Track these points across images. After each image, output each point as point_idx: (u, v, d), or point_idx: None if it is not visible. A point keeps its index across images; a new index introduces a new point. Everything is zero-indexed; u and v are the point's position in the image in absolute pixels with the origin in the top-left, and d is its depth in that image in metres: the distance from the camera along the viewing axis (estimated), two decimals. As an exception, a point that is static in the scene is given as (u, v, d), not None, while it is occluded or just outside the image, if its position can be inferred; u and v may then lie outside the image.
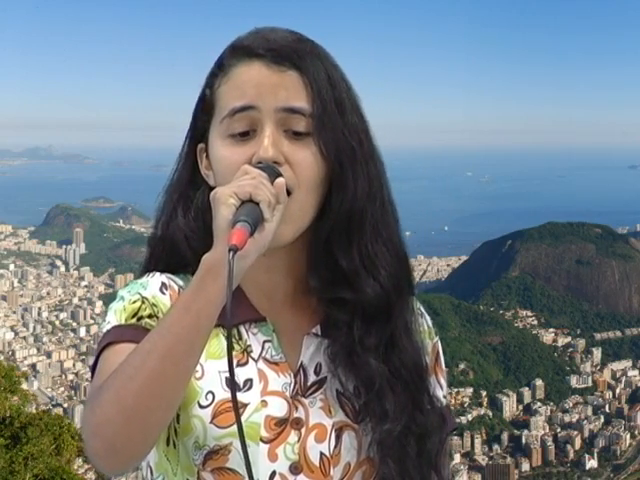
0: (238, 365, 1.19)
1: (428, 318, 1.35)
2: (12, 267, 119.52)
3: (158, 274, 1.25)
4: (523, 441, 79.70)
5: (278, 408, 1.17)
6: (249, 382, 1.17)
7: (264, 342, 1.21)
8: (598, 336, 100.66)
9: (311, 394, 1.19)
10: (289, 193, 1.12)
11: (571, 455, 78.98)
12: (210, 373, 1.16)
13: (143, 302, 1.19)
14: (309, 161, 1.15)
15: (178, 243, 1.24)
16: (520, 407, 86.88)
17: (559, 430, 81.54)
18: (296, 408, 1.18)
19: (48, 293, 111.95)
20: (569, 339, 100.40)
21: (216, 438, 1.13)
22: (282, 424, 1.16)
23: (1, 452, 9.17)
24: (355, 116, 1.20)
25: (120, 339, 1.13)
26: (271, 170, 1.10)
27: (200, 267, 1.04)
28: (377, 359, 1.18)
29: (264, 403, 1.16)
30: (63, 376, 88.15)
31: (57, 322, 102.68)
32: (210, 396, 1.15)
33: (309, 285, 1.22)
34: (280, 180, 1.09)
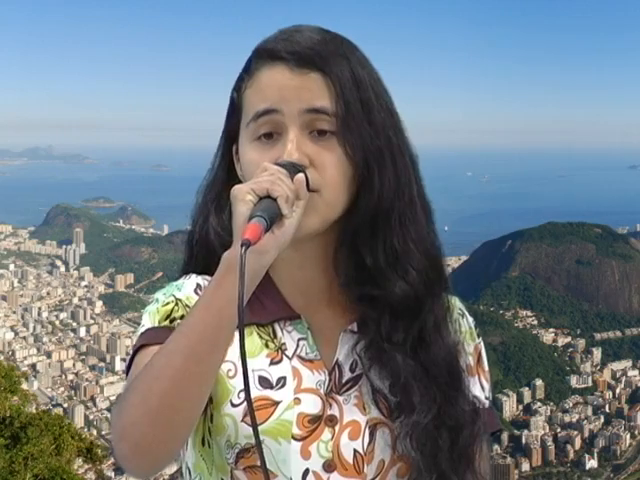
0: (272, 363, 1.18)
1: (470, 319, 1.34)
2: (12, 267, 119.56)
3: (194, 276, 1.26)
4: (523, 441, 79.63)
5: (312, 405, 1.16)
6: (282, 380, 1.17)
7: (299, 340, 1.21)
8: (598, 336, 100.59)
9: (346, 391, 1.18)
10: (315, 192, 1.13)
11: (571, 455, 78.90)
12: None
13: (176, 304, 1.20)
14: (334, 163, 1.14)
15: (212, 243, 1.24)
16: (520, 407, 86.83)
17: (559, 430, 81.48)
18: (330, 405, 1.17)
19: (48, 293, 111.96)
20: (569, 339, 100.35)
21: (247, 436, 1.13)
22: (316, 421, 1.15)
23: (1, 452, 9.16)
24: (383, 114, 1.18)
25: (153, 341, 1.13)
26: (291, 167, 1.09)
27: (220, 265, 1.04)
28: (404, 355, 1.17)
29: (297, 401, 1.16)
30: (63, 376, 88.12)
31: (57, 322, 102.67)
32: (242, 394, 1.14)
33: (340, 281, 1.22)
34: (300, 176, 1.08)
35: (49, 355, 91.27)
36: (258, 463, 1.12)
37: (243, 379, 0.97)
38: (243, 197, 1.04)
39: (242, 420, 1.14)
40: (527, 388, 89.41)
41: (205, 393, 1.05)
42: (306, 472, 1.13)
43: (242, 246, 0.98)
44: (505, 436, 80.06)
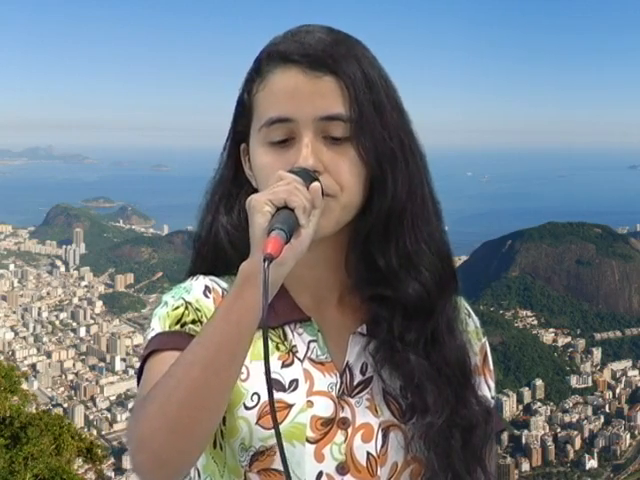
0: (283, 366, 1.18)
1: (476, 319, 1.34)
2: (12, 267, 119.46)
3: (202, 277, 1.25)
4: (523, 441, 79.59)
5: (324, 408, 1.16)
6: (295, 382, 1.17)
7: (309, 342, 1.21)
8: (598, 336, 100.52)
9: (357, 394, 1.18)
10: (331, 197, 1.13)
11: (571, 455, 78.84)
12: (256, 374, 1.16)
13: (186, 307, 1.19)
14: (348, 167, 1.14)
15: (221, 242, 1.24)
16: (520, 407, 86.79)
17: (559, 430, 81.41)
18: (342, 408, 1.17)
19: (48, 293, 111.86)
20: (569, 339, 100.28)
21: (262, 439, 1.12)
22: (328, 424, 1.15)
23: (1, 452, 9.13)
24: (395, 114, 1.18)
25: (164, 347, 1.13)
26: (306, 175, 1.09)
27: (238, 276, 1.04)
28: (417, 355, 1.17)
29: (310, 403, 1.15)
30: (63, 376, 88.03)
31: (57, 322, 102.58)
32: (256, 397, 1.14)
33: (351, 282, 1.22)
34: (315, 185, 1.07)
35: (49, 355, 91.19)
36: (272, 466, 1.13)
37: (268, 398, 0.97)
38: (261, 208, 1.02)
39: (256, 423, 1.13)
40: (527, 388, 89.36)
41: (224, 403, 1.05)
42: (320, 475, 1.14)
43: (265, 261, 0.97)
44: (505, 436, 79.95)
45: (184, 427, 1.00)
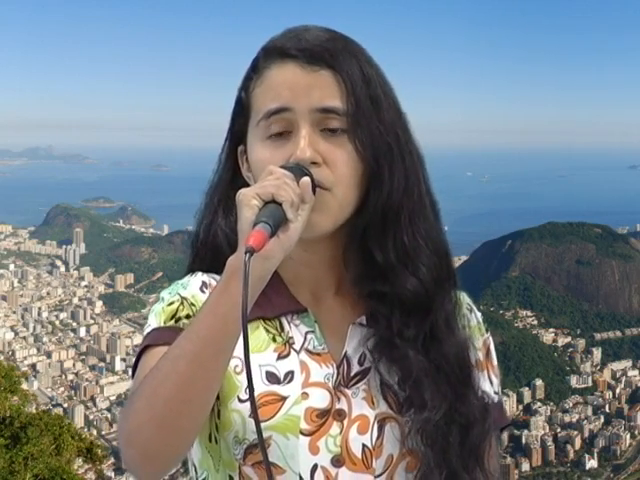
0: (280, 358, 1.18)
1: (479, 314, 1.34)
2: (12, 267, 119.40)
3: (200, 273, 1.26)
4: (523, 441, 79.49)
5: (320, 399, 1.15)
6: (290, 374, 1.16)
7: (306, 333, 1.20)
8: (598, 336, 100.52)
9: (354, 384, 1.18)
10: (327, 190, 1.13)
11: (571, 455, 78.79)
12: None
13: (182, 303, 1.20)
14: (345, 160, 1.14)
15: (220, 245, 1.24)
16: (520, 407, 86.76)
17: (559, 430, 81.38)
18: (338, 399, 1.16)
19: (48, 293, 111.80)
20: (569, 339, 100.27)
21: (255, 432, 1.08)
22: (324, 416, 1.15)
23: (1, 452, 9.13)
24: (391, 111, 1.19)
25: (158, 341, 1.14)
26: (298, 169, 1.09)
27: (225, 270, 1.04)
28: (416, 351, 1.17)
29: (305, 395, 1.15)
30: (63, 376, 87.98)
31: (57, 322, 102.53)
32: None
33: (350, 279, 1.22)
34: (305, 179, 1.07)
35: (49, 355, 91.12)
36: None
37: (249, 392, 0.98)
38: (248, 202, 1.03)
39: (250, 416, 1.12)
40: (527, 388, 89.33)
41: (211, 397, 1.05)
42: (314, 467, 1.13)
43: (246, 253, 0.97)
44: (505, 436, 79.88)
45: (171, 421, 1.00)
